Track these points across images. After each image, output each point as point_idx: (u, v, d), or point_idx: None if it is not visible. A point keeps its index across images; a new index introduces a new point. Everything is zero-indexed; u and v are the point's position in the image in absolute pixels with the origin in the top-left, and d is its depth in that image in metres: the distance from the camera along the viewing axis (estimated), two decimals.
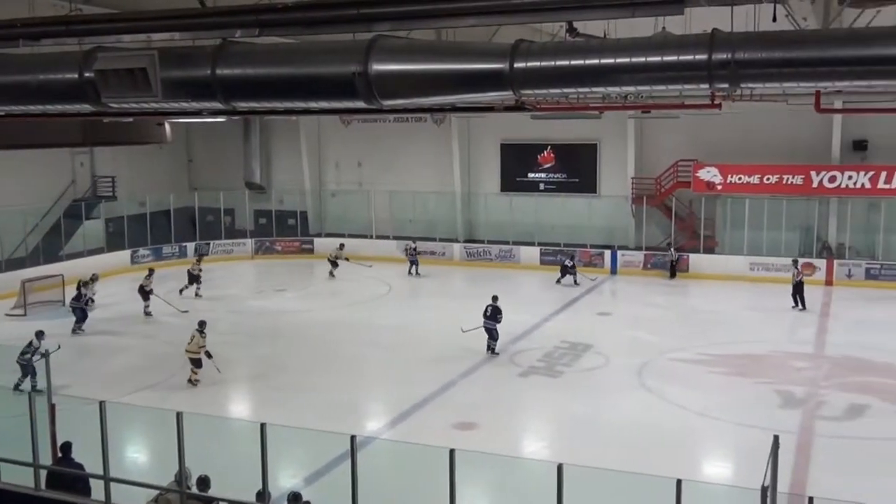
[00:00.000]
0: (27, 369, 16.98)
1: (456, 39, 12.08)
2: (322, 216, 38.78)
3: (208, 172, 39.70)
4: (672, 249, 31.17)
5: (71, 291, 25.87)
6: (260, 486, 9.09)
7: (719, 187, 30.93)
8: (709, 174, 30.88)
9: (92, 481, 10.22)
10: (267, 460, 8.85)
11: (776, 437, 8.43)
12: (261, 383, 19.26)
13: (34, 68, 10.02)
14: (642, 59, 7.66)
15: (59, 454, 10.81)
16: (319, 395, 17.79)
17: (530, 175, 35.10)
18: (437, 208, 35.94)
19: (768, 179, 30.24)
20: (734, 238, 31.51)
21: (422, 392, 17.84)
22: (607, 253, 32.39)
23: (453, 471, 8.18)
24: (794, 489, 12.57)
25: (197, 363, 18.42)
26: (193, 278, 28.06)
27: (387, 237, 35.87)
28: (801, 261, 27.30)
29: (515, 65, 7.92)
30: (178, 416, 9.02)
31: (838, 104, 24.40)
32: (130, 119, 22.84)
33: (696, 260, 31.22)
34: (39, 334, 17.96)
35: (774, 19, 8.07)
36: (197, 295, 27.83)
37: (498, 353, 20.64)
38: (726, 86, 8.05)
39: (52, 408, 11.19)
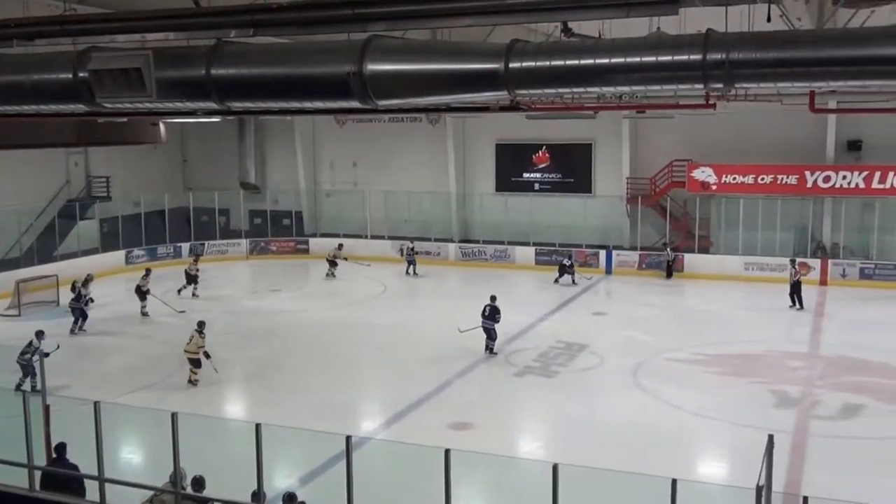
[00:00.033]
0: (27, 369, 16.95)
1: (451, 39, 12.08)
2: (317, 216, 38.75)
3: (203, 172, 39.64)
4: (669, 249, 31.21)
5: (65, 292, 25.87)
6: (255, 487, 9.08)
7: (714, 187, 30.97)
8: (703, 174, 30.92)
9: (87, 482, 10.20)
10: (262, 460, 8.84)
11: (771, 437, 8.45)
12: (256, 383, 19.24)
13: (28, 68, 10.00)
14: (637, 59, 7.67)
15: (54, 455, 10.79)
16: (315, 396, 17.78)
17: (525, 175, 35.12)
18: (433, 208, 35.94)
19: (763, 179, 30.28)
20: (729, 238, 31.55)
21: (417, 392, 17.83)
22: (602, 253, 32.41)
23: (449, 471, 8.18)
24: (789, 488, 12.60)
25: (196, 363, 18.43)
26: (191, 278, 28.06)
27: (382, 237, 35.86)
28: (799, 260, 27.36)
29: (511, 65, 7.92)
30: (173, 416, 9.01)
31: (833, 104, 24.46)
32: (125, 119, 22.79)
33: (691, 260, 31.26)
34: (39, 334, 17.95)
35: (769, 19, 8.09)
36: (194, 295, 27.84)
37: (496, 353, 20.65)
38: (721, 86, 8.06)
39: (47, 409, 11.18)
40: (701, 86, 7.84)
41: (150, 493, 9.88)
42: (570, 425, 16.33)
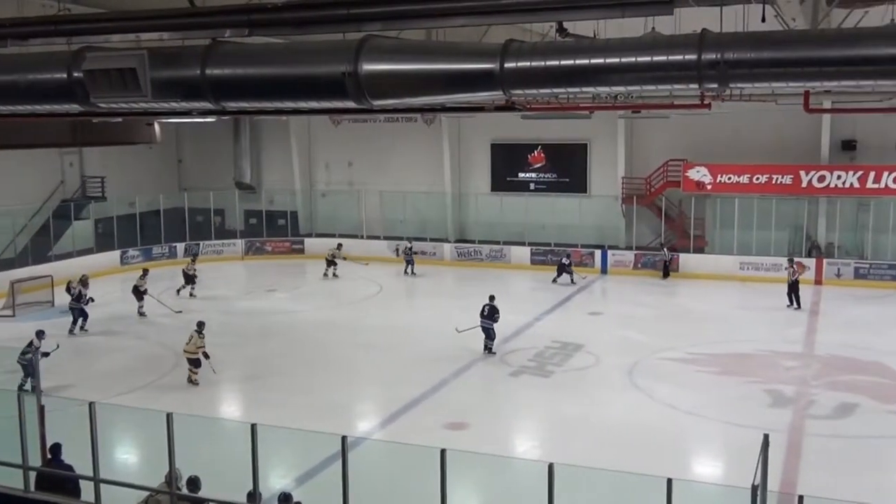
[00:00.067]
0: (28, 369, 16.93)
1: (446, 39, 12.08)
2: (312, 216, 38.72)
3: (198, 172, 39.60)
4: (665, 249, 31.25)
5: (60, 292, 25.83)
6: (250, 487, 9.08)
7: (709, 187, 31.01)
8: (698, 174, 30.96)
9: (82, 483, 10.18)
10: (257, 461, 8.84)
11: (766, 436, 8.46)
12: (251, 384, 19.22)
13: (23, 68, 9.96)
14: (632, 60, 7.67)
15: (49, 455, 10.77)
16: (310, 396, 17.76)
17: (521, 175, 35.15)
18: (428, 208, 35.93)
19: (758, 179, 30.34)
20: (724, 238, 31.61)
21: (413, 392, 17.83)
22: (598, 252, 32.45)
23: (444, 471, 8.19)
24: (784, 488, 12.61)
25: (195, 363, 18.45)
26: (189, 278, 28.06)
27: (377, 237, 35.86)
28: (797, 260, 27.42)
29: (506, 65, 7.92)
30: (169, 416, 9.00)
31: (827, 104, 24.51)
32: (120, 119, 22.76)
33: (686, 260, 31.31)
34: (40, 333, 17.97)
35: (763, 19, 8.10)
36: (191, 295, 27.87)
37: (495, 353, 20.66)
38: (716, 86, 8.06)
39: (42, 409, 11.15)
40: (696, 86, 7.84)
41: (146, 493, 9.87)
42: (566, 425, 16.34)
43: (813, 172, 29.69)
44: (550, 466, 7.94)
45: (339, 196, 37.88)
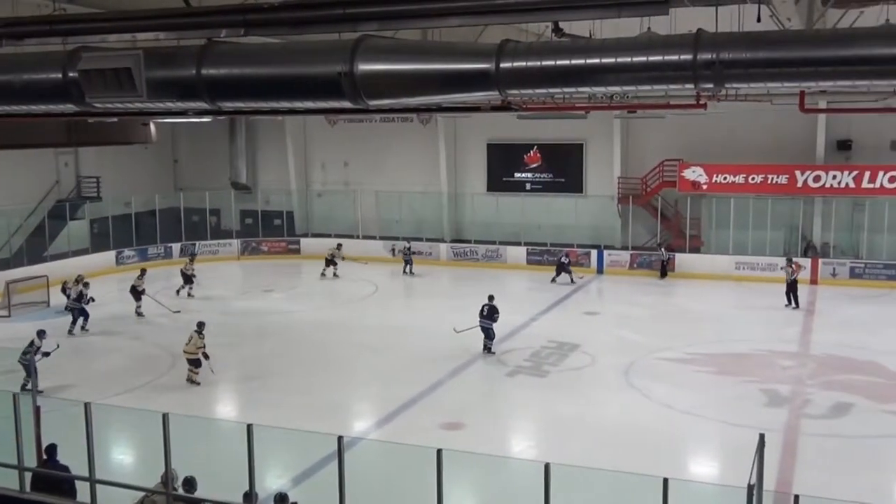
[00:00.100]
0: (29, 369, 16.92)
1: (442, 39, 12.08)
2: (308, 216, 38.71)
3: (194, 172, 39.56)
4: (663, 249, 31.28)
5: (55, 293, 25.80)
6: (247, 488, 9.08)
7: (705, 187, 31.06)
8: (694, 174, 31.01)
9: (77, 483, 10.17)
10: (254, 461, 8.84)
11: (762, 436, 8.48)
12: (248, 384, 19.20)
13: (18, 68, 9.94)
14: (628, 60, 7.67)
15: (45, 456, 10.76)
16: (307, 396, 17.76)
17: (517, 175, 35.16)
18: (424, 208, 35.94)
19: (753, 179, 30.40)
20: (719, 237, 31.65)
21: (409, 392, 17.83)
22: (594, 252, 32.47)
23: (441, 471, 8.19)
24: (780, 487, 12.63)
25: (195, 363, 18.48)
26: (187, 278, 28.05)
27: (373, 237, 35.85)
28: (795, 260, 27.48)
29: (502, 65, 7.92)
30: (165, 417, 9.00)
31: (822, 104, 24.55)
32: (115, 119, 22.71)
33: (682, 259, 31.34)
34: (41, 333, 17.99)
35: (759, 20, 8.11)
36: (189, 295, 27.91)
37: (494, 353, 20.67)
38: (711, 86, 8.06)
39: (37, 410, 11.14)
40: (691, 86, 7.84)
41: (141, 494, 9.87)
42: (562, 425, 16.35)
43: (808, 172, 29.76)
44: (547, 466, 7.94)
45: (335, 196, 37.87)
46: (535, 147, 34.70)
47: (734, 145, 30.71)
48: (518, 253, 33.52)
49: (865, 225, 30.06)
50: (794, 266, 26.26)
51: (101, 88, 8.71)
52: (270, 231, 37.69)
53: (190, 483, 10.09)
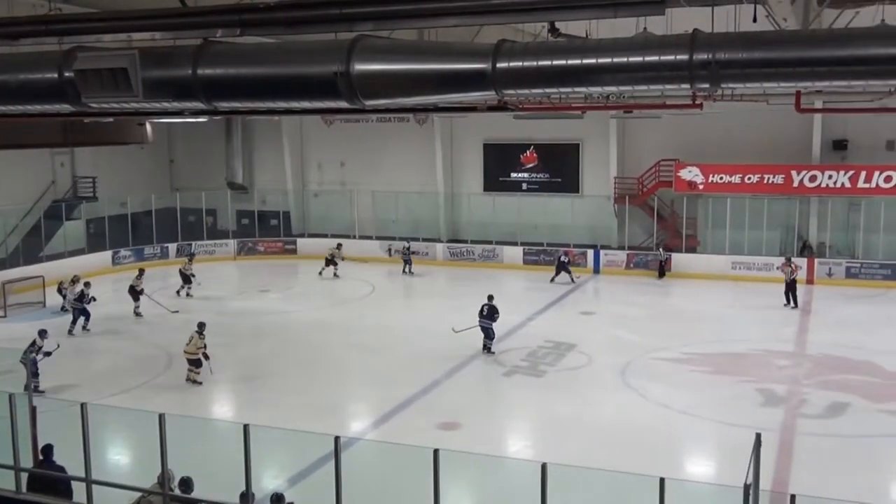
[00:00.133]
0: (32, 368, 16.90)
1: (438, 39, 12.08)
2: (305, 216, 38.69)
3: (190, 173, 39.52)
4: (661, 249, 31.30)
5: (52, 293, 25.77)
6: (243, 488, 9.07)
7: (701, 187, 31.08)
8: (690, 174, 31.03)
9: (74, 484, 10.15)
10: (250, 461, 8.83)
11: (758, 435, 8.49)
12: (245, 384, 19.18)
13: (13, 68, 9.93)
14: (624, 60, 7.68)
15: (41, 457, 10.74)
16: (303, 396, 17.74)
17: (513, 175, 35.17)
18: (420, 208, 35.93)
19: (749, 179, 30.43)
20: (716, 237, 31.69)
21: (406, 392, 17.82)
22: (590, 252, 32.48)
23: (437, 471, 8.19)
24: (777, 487, 12.64)
25: (196, 363, 18.49)
26: (186, 278, 28.05)
27: (370, 237, 35.84)
28: (794, 260, 27.52)
29: (498, 65, 7.92)
30: (161, 417, 8.99)
31: (818, 104, 24.60)
32: (111, 119, 22.69)
33: (678, 259, 31.36)
34: (42, 333, 17.98)
35: (755, 20, 8.13)
36: (188, 295, 27.92)
37: (494, 353, 20.67)
38: (707, 86, 8.07)
39: (34, 410, 11.12)
40: (687, 86, 7.86)
41: (138, 494, 9.85)
42: (559, 425, 16.35)
43: (804, 172, 29.79)
44: (543, 466, 7.95)
45: (332, 196, 37.85)
46: (532, 147, 34.71)
47: (730, 145, 30.74)
48: (514, 253, 33.53)
49: (861, 225, 30.11)
50: (793, 266, 26.32)
51: (98, 88, 8.70)
52: (267, 231, 37.67)
53: (186, 483, 10.08)
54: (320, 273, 31.43)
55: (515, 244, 33.75)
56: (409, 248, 32.75)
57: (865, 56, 7.18)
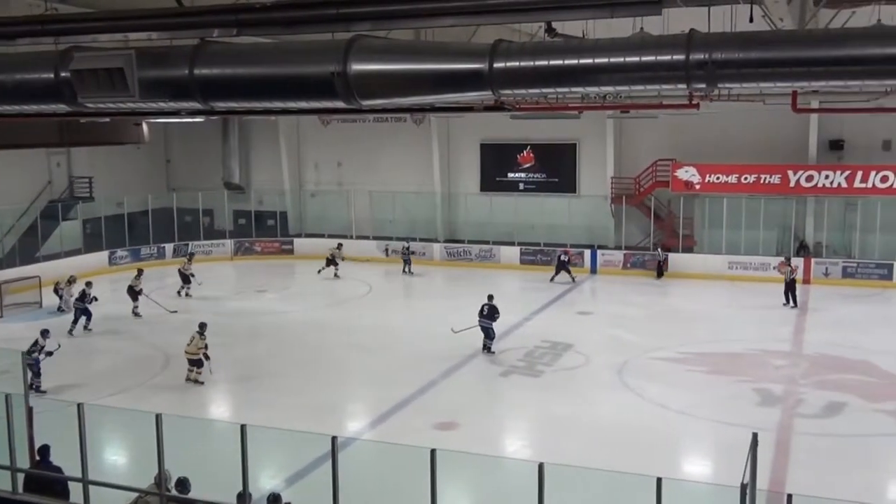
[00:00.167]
0: (34, 368, 16.89)
1: (435, 39, 12.08)
2: (302, 217, 38.66)
3: (186, 173, 39.48)
4: (660, 249, 31.32)
5: (48, 293, 25.74)
6: (240, 488, 9.06)
7: (697, 187, 31.10)
8: (687, 174, 31.05)
9: (70, 484, 10.14)
10: (247, 462, 8.82)
11: (755, 435, 8.50)
12: (242, 384, 19.17)
13: (9, 68, 9.92)
14: (621, 60, 7.69)
15: (38, 457, 10.72)
16: (301, 396, 17.73)
17: (510, 175, 35.17)
18: (417, 208, 35.92)
19: (746, 179, 30.45)
20: (712, 237, 31.71)
21: (403, 392, 17.82)
22: (587, 252, 32.50)
23: (434, 471, 8.19)
24: (773, 486, 12.65)
25: (197, 363, 18.49)
26: (185, 278, 28.03)
27: (367, 237, 35.83)
28: (794, 260, 27.56)
29: (495, 65, 7.93)
30: (158, 417, 8.98)
31: (815, 104, 24.63)
32: (107, 119, 22.67)
33: (675, 259, 31.38)
34: (44, 333, 17.96)
35: (751, 20, 8.14)
36: (187, 295, 27.91)
37: (494, 352, 20.66)
38: (704, 86, 8.09)
39: (30, 410, 11.10)
40: (684, 86, 7.87)
41: (135, 494, 9.85)
42: (556, 425, 16.36)
43: (801, 172, 29.82)
44: (540, 466, 7.95)
45: (329, 196, 37.84)
46: (529, 147, 34.71)
47: (727, 145, 30.76)
48: (511, 253, 33.54)
49: (858, 225, 30.17)
50: (791, 266, 26.36)
51: (94, 88, 8.69)
52: (264, 231, 37.65)
53: (183, 484, 10.07)
54: (319, 272, 31.41)
55: (512, 244, 33.76)
56: (408, 248, 32.78)
57: (862, 56, 7.19)
